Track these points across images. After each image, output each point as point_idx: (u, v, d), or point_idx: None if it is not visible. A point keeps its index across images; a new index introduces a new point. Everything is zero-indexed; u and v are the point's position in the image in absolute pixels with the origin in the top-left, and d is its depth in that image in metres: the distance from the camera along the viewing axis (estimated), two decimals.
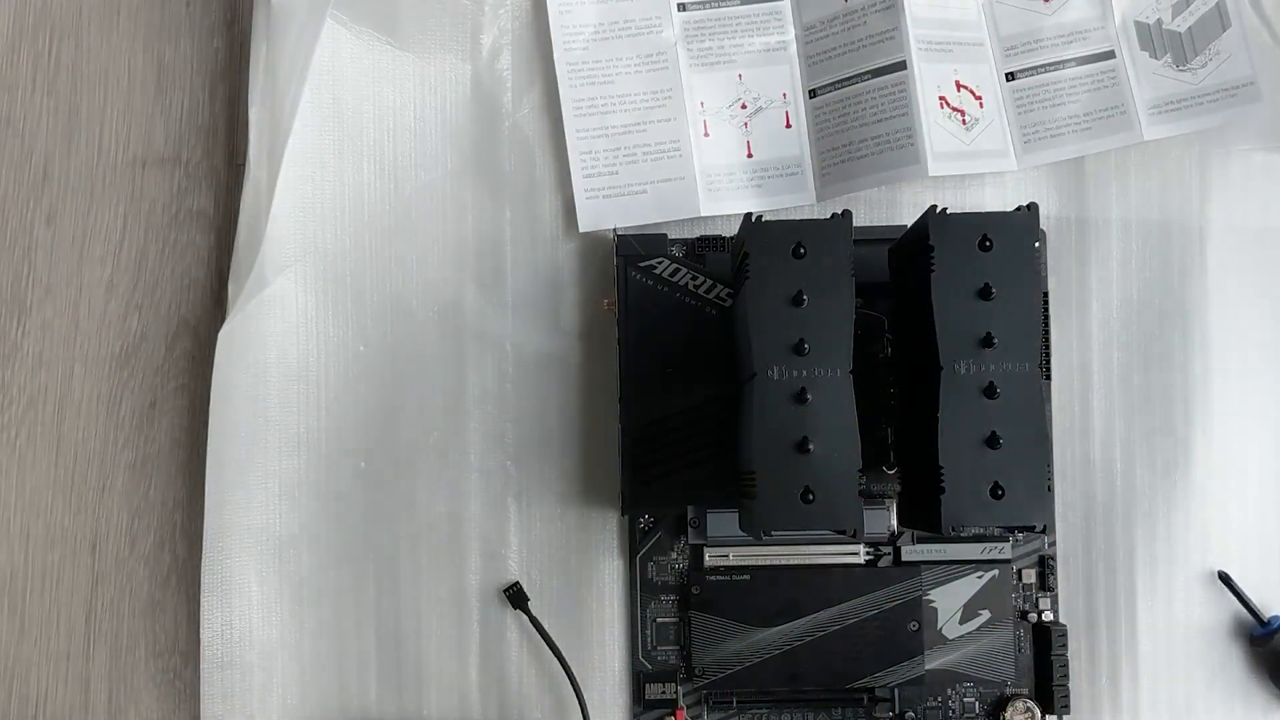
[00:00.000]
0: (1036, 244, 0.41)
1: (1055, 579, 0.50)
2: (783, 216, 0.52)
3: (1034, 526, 0.41)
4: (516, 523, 0.51)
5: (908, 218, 0.52)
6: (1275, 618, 0.50)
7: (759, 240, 0.41)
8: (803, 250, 0.41)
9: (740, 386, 0.43)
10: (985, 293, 0.40)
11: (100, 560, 0.52)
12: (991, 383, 0.40)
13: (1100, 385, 0.52)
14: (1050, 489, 0.40)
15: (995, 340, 0.40)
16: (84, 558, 0.52)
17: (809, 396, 0.40)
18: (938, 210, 0.42)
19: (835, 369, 0.41)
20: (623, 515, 0.50)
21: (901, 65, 0.50)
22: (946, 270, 0.41)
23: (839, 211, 0.41)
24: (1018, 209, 0.43)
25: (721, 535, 0.49)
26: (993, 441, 0.40)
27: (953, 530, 0.41)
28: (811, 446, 0.40)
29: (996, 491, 0.40)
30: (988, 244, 0.41)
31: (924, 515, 0.42)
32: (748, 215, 0.45)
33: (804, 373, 0.40)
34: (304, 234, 0.52)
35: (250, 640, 0.50)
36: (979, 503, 0.40)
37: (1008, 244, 0.41)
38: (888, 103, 0.51)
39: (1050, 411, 0.51)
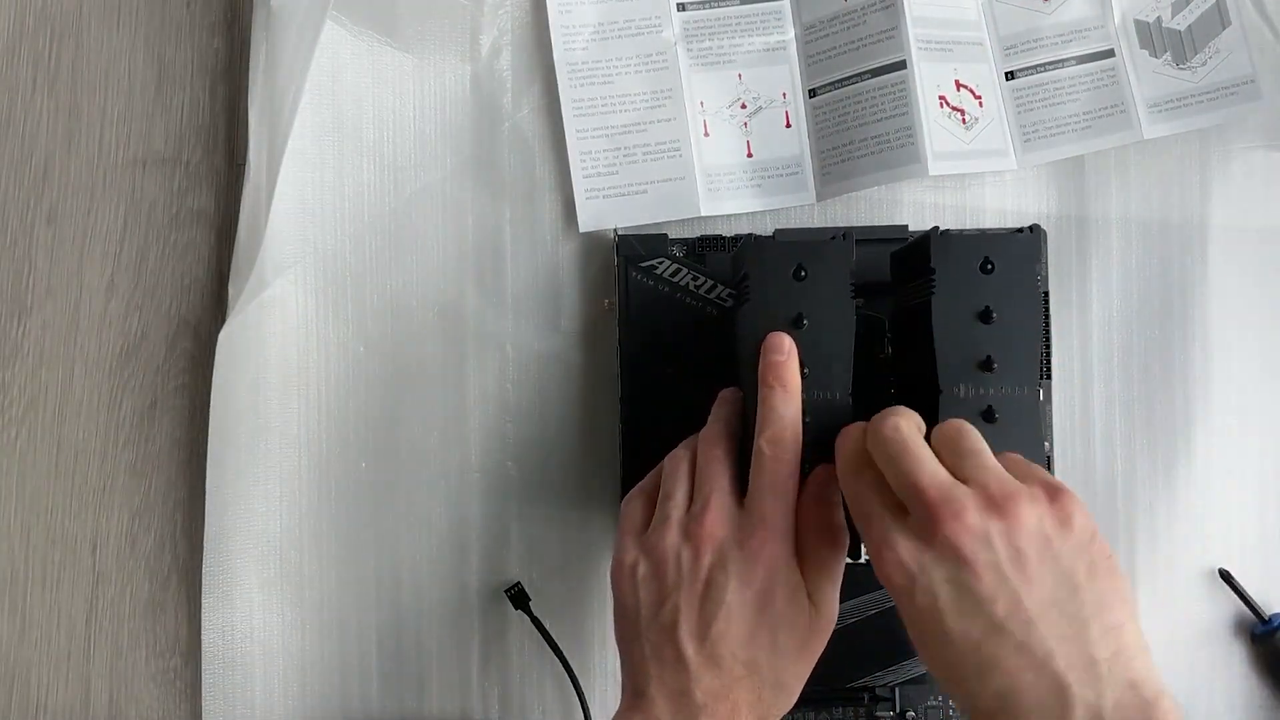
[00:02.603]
0: (1039, 266, 0.41)
1: None
2: (782, 217, 0.52)
3: None
4: (518, 523, 0.51)
5: (908, 217, 0.52)
6: (1276, 615, 0.50)
7: (760, 261, 0.41)
8: (804, 273, 0.41)
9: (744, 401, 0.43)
10: (985, 316, 0.40)
11: (101, 560, 0.52)
12: (990, 406, 0.40)
13: (1100, 383, 0.52)
14: None
15: (995, 364, 0.40)
16: (84, 558, 0.52)
17: (807, 419, 0.40)
18: (939, 231, 0.42)
19: (835, 392, 0.41)
20: None
21: (901, 64, 0.50)
22: (947, 292, 0.40)
23: (841, 232, 0.41)
24: (1020, 230, 0.42)
25: None
26: None
27: None
28: (808, 469, 0.40)
29: None
30: (989, 266, 0.41)
31: None
32: (749, 236, 0.45)
33: (803, 395, 0.40)
34: (304, 235, 0.52)
35: (251, 640, 0.50)
36: None
37: (1010, 267, 0.40)
38: (887, 102, 0.51)
39: (1050, 411, 0.51)
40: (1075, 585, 0.34)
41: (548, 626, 0.50)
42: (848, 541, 0.41)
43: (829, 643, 0.41)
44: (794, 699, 0.40)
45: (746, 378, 0.42)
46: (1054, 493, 0.35)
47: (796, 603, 0.39)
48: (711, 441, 0.42)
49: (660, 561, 0.40)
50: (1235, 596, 0.50)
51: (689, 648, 0.38)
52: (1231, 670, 0.51)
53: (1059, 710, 0.32)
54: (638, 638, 0.40)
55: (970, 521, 0.34)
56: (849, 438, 0.39)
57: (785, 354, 0.40)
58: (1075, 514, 0.35)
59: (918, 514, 0.35)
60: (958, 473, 0.36)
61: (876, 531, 0.36)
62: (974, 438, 0.37)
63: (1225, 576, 0.50)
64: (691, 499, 0.41)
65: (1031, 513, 0.34)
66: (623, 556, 0.42)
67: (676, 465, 0.42)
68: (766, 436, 0.40)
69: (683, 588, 0.39)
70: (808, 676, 0.40)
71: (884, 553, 0.35)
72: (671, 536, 0.40)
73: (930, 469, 0.36)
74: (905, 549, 0.35)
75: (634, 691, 0.40)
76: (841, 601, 0.47)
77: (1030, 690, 0.33)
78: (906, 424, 0.37)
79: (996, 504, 0.34)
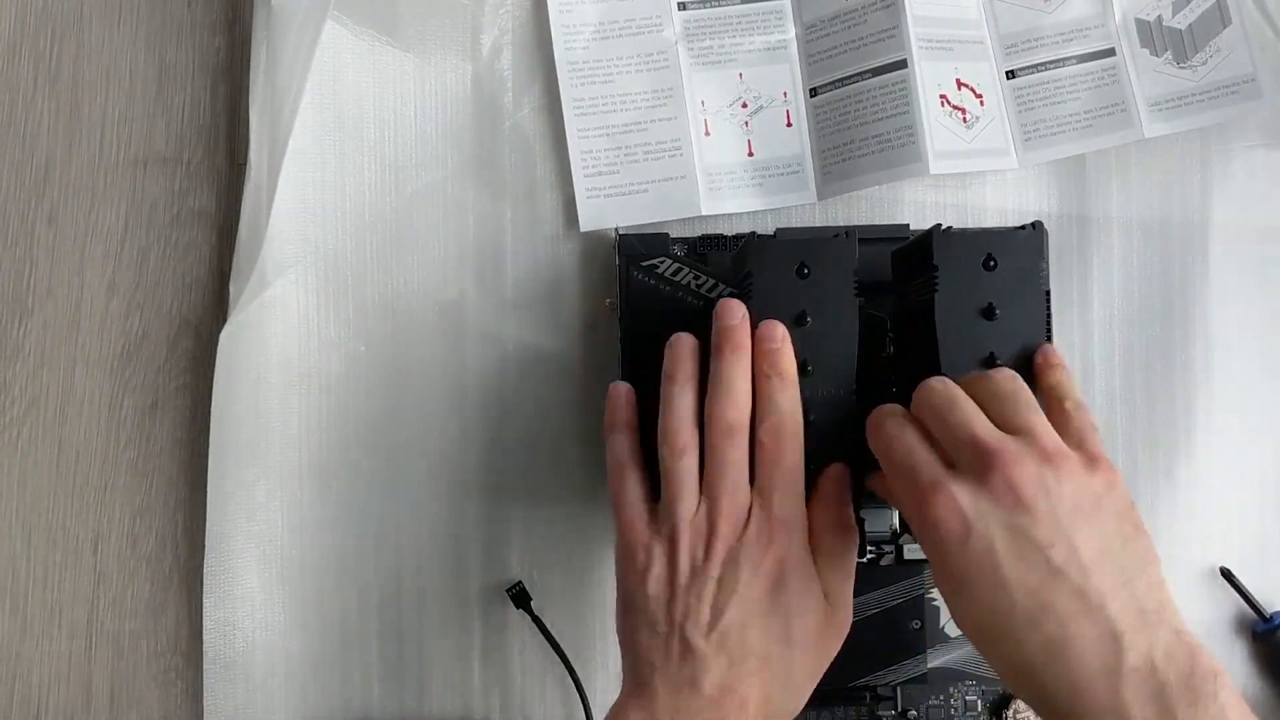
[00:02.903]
0: (1042, 262, 0.41)
1: None
2: (783, 216, 0.52)
3: None
4: (518, 522, 0.51)
5: (909, 216, 0.52)
6: (1278, 614, 0.50)
7: (762, 259, 0.41)
8: (806, 270, 0.41)
9: None
10: (989, 312, 0.40)
11: (102, 560, 0.52)
12: None
13: (1101, 382, 0.52)
14: None
15: (999, 360, 0.40)
16: (85, 558, 0.52)
17: (812, 416, 0.40)
18: (941, 228, 0.42)
19: (839, 388, 0.41)
20: None
21: (902, 64, 0.50)
22: (950, 290, 0.41)
23: (843, 229, 0.41)
24: (1022, 227, 0.43)
25: None
26: None
27: None
28: (814, 467, 0.40)
29: None
30: (992, 263, 0.41)
31: None
32: (751, 234, 0.45)
33: (807, 393, 0.40)
34: (305, 234, 0.52)
35: (252, 640, 0.50)
36: None
37: (1012, 263, 0.41)
38: (888, 101, 0.51)
39: None
40: (1124, 539, 0.35)
41: (549, 625, 0.50)
42: (858, 540, 0.41)
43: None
44: (803, 702, 0.39)
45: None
46: (1096, 462, 0.36)
47: (810, 595, 0.39)
48: (723, 448, 0.40)
49: (672, 557, 0.39)
50: (1236, 595, 0.50)
51: (698, 639, 0.38)
52: (1232, 669, 0.51)
53: (1112, 657, 0.33)
54: (644, 628, 0.39)
55: (1029, 468, 0.35)
56: (885, 408, 0.40)
57: (779, 341, 0.40)
58: (1116, 482, 0.36)
59: (972, 462, 0.36)
60: (1008, 424, 0.37)
61: (927, 480, 0.36)
62: (1028, 393, 0.38)
63: (1226, 575, 0.50)
64: (701, 492, 0.40)
65: (1082, 472, 0.36)
66: (631, 549, 0.41)
67: (681, 454, 0.41)
68: (765, 428, 0.40)
69: (694, 582, 0.39)
70: (819, 678, 0.40)
71: (936, 499, 0.35)
72: (683, 531, 0.40)
73: (983, 421, 0.36)
74: (962, 494, 0.35)
75: (635, 682, 0.39)
76: None
77: (1083, 637, 0.33)
78: (952, 383, 0.38)
79: (1052, 457, 0.35)
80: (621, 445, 0.44)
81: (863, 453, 0.40)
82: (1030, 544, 0.34)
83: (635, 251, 0.50)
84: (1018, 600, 0.34)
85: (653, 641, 0.39)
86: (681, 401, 0.41)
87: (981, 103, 0.52)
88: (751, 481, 0.40)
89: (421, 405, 0.52)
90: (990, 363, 0.40)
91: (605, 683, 0.51)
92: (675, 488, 0.41)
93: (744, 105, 0.52)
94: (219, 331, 0.50)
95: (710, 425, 0.41)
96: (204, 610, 0.50)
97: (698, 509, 0.40)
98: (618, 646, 0.42)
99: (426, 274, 0.52)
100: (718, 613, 0.38)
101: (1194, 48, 0.52)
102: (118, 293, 0.53)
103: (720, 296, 0.49)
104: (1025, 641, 0.34)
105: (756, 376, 0.40)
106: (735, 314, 0.41)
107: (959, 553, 0.35)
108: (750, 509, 0.39)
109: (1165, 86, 0.52)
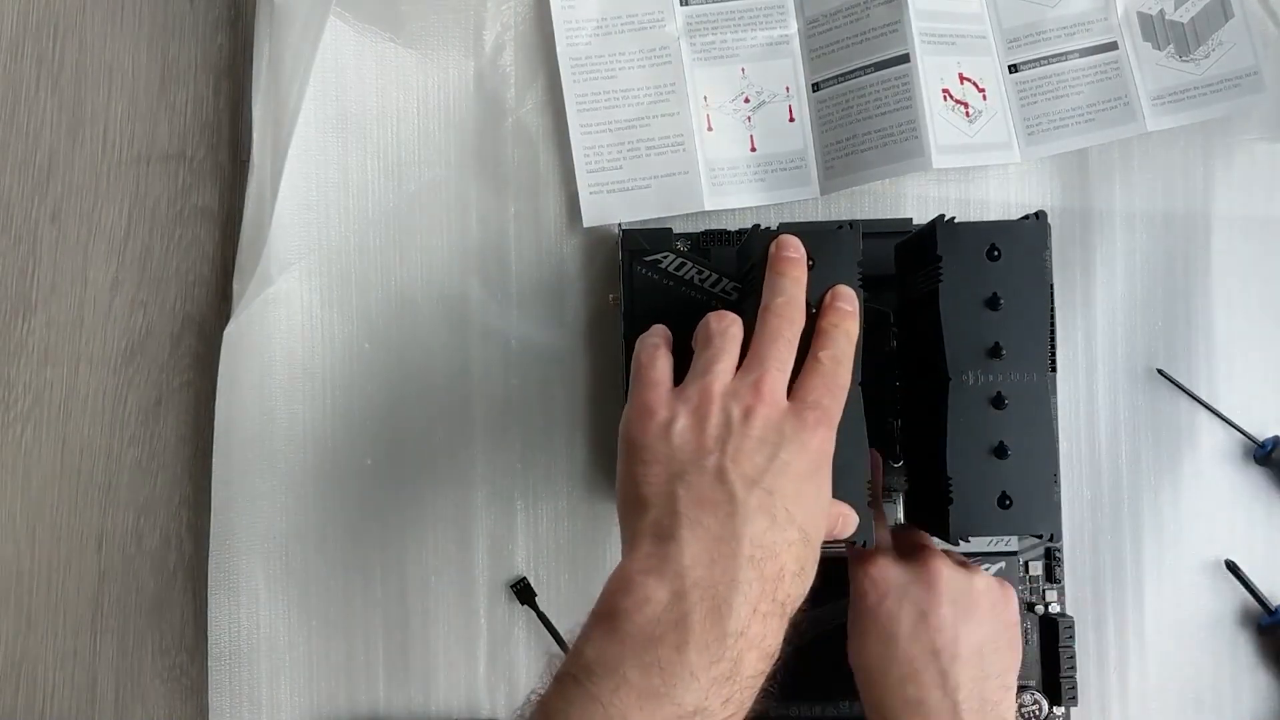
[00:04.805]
0: (1046, 252, 0.41)
1: (1062, 571, 0.50)
2: (786, 210, 0.52)
3: (1041, 535, 0.42)
4: (523, 518, 0.51)
5: (912, 210, 0.52)
6: None
7: (767, 251, 0.41)
8: (812, 262, 0.41)
9: None
10: (993, 303, 0.40)
11: (106, 557, 0.52)
12: (1000, 393, 0.40)
13: (1105, 375, 0.52)
14: (1058, 497, 0.41)
15: (1004, 350, 0.40)
16: (90, 555, 0.52)
17: None
18: (945, 220, 0.42)
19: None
20: None
21: (905, 58, 0.50)
22: (954, 281, 0.41)
23: (847, 221, 0.41)
24: (1026, 217, 0.43)
25: None
26: (1000, 451, 0.40)
27: (961, 541, 0.42)
28: None
29: (1004, 501, 0.40)
30: (996, 254, 0.41)
31: (933, 521, 0.43)
32: (755, 226, 0.45)
33: None
34: (308, 231, 0.52)
35: (257, 637, 0.51)
36: (987, 512, 0.41)
37: (1017, 253, 0.41)
38: (891, 96, 0.51)
39: (1056, 404, 0.50)
40: (997, 645, 0.42)
41: (554, 621, 0.50)
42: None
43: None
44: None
45: None
46: (1002, 581, 0.43)
47: (828, 496, 0.37)
48: (779, 326, 0.38)
49: (703, 416, 0.36)
50: (1242, 587, 0.50)
51: (740, 489, 0.35)
52: (1238, 661, 0.51)
53: None
54: (670, 481, 0.36)
55: (951, 565, 0.42)
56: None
57: (853, 306, 0.39)
58: (1013, 600, 0.43)
59: (913, 546, 0.43)
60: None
61: (868, 552, 0.42)
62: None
63: (1232, 567, 0.50)
64: (738, 371, 0.38)
65: (991, 580, 0.43)
66: (653, 409, 0.38)
67: (726, 329, 0.39)
68: (825, 353, 0.38)
69: (731, 436, 0.36)
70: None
71: (870, 569, 0.42)
72: (718, 394, 0.37)
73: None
74: (891, 569, 0.42)
75: (655, 538, 0.35)
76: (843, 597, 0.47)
77: (936, 706, 0.40)
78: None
79: (965, 564, 0.43)
80: (657, 335, 0.41)
81: (867, 445, 0.40)
82: (925, 625, 0.41)
83: (638, 247, 0.50)
84: (899, 660, 0.41)
85: (681, 491, 0.35)
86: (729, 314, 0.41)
87: (984, 97, 0.52)
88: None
89: (426, 401, 0.52)
90: (995, 352, 0.40)
91: None
92: (716, 349, 0.38)
93: (746, 100, 0.52)
94: (223, 328, 0.50)
95: (765, 311, 0.39)
96: (209, 607, 0.50)
97: (733, 379, 0.38)
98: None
99: (430, 270, 0.52)
100: (760, 469, 0.35)
101: (1196, 41, 0.52)
102: (121, 290, 0.53)
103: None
104: (893, 693, 0.41)
105: (821, 323, 0.39)
106: (789, 245, 0.39)
107: (874, 607, 0.41)
108: (788, 402, 0.37)
109: (1167, 80, 0.52)
